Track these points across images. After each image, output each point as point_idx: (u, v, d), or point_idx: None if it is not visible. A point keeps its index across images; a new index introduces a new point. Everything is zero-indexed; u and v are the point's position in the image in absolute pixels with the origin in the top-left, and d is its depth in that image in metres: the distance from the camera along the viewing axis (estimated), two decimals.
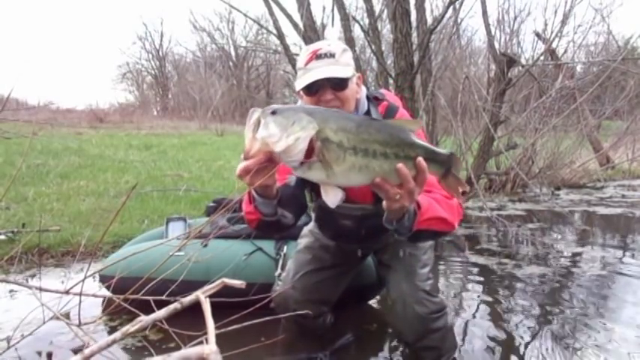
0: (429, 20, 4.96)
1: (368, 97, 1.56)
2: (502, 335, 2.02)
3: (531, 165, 6.24)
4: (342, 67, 1.41)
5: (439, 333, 1.60)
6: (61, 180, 5.02)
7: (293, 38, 23.61)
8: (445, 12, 3.84)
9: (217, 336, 0.72)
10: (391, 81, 3.91)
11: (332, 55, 1.40)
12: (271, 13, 4.63)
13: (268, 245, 2.16)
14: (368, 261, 2.04)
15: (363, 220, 1.60)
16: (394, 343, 1.91)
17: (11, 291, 2.39)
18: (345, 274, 1.84)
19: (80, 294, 0.94)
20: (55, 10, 54.37)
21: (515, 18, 6.52)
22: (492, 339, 1.98)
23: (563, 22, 5.24)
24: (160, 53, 29.71)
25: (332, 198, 1.07)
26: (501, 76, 4.57)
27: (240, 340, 0.94)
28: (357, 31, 7.62)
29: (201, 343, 0.71)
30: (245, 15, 6.10)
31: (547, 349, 1.89)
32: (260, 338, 1.77)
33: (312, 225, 1.87)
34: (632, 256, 3.29)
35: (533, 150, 6.19)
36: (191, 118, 20.92)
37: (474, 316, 2.23)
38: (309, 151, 0.99)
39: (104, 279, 2.12)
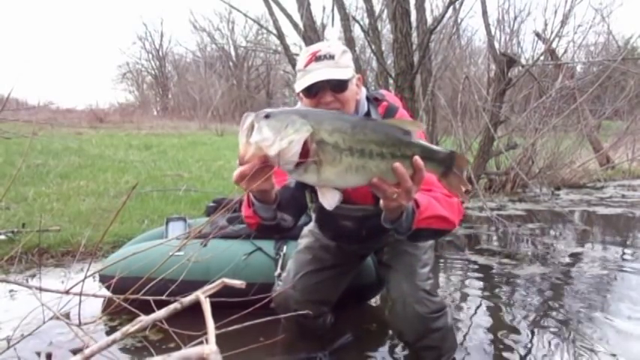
0: (429, 20, 4.96)
1: (368, 98, 1.56)
2: (502, 335, 2.02)
3: (531, 165, 6.24)
4: (342, 68, 1.41)
5: (439, 333, 1.59)
6: (61, 180, 5.03)
7: (293, 38, 23.66)
8: (445, 12, 3.84)
9: (217, 336, 0.72)
10: (391, 81, 3.91)
11: (331, 57, 1.40)
12: (271, 13, 4.63)
13: (268, 245, 2.16)
14: (368, 261, 2.03)
15: (363, 220, 1.60)
16: (394, 343, 1.91)
17: (11, 291, 2.39)
18: (346, 274, 1.84)
19: (80, 294, 0.94)
20: (55, 10, 54.43)
21: (515, 18, 6.53)
22: (492, 339, 1.98)
23: (563, 22, 5.25)
24: (160, 53, 29.75)
25: (329, 200, 1.07)
26: (501, 76, 4.58)
27: (240, 340, 0.94)
28: (357, 31, 7.63)
29: (201, 343, 0.71)
30: (245, 15, 6.12)
31: (547, 349, 1.89)
32: (260, 338, 1.77)
33: (312, 225, 1.87)
34: (632, 256, 3.29)
35: (533, 150, 6.19)
36: (191, 118, 20.94)
37: (474, 316, 2.23)
38: (304, 154, 0.98)
39: (104, 279, 2.12)
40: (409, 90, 3.60)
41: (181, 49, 39.66)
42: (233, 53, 27.79)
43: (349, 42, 4.59)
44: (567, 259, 3.23)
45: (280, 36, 4.78)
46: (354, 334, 1.89)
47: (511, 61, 4.58)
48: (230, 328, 0.85)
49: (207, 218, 2.69)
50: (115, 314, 2.03)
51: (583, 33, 5.99)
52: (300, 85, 1.42)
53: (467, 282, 2.75)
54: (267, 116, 0.98)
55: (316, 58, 1.40)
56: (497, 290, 2.59)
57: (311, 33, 4.34)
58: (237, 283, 0.89)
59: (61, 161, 6.29)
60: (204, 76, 24.31)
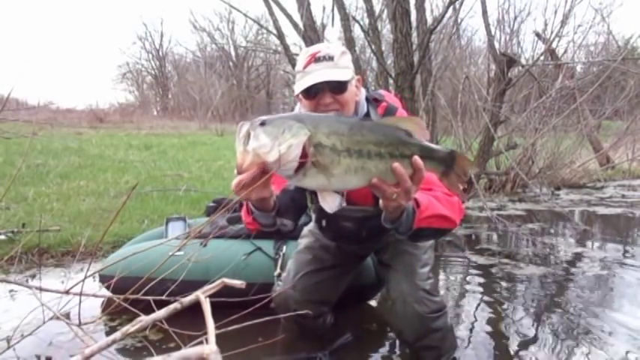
0: (429, 20, 4.96)
1: (367, 99, 1.56)
2: (502, 335, 2.02)
3: (531, 165, 6.24)
4: (341, 70, 1.41)
5: (439, 332, 1.59)
6: (61, 180, 5.03)
7: (293, 38, 23.62)
8: (445, 12, 3.84)
9: (217, 336, 0.72)
10: (391, 81, 3.91)
11: (331, 58, 1.40)
12: (271, 13, 4.63)
13: (268, 245, 2.16)
14: (368, 261, 2.04)
15: (363, 221, 1.60)
16: (394, 343, 1.91)
17: (11, 291, 2.39)
18: (346, 274, 1.84)
19: (80, 294, 0.94)
20: (55, 10, 54.43)
21: (515, 18, 6.52)
22: (492, 338, 1.98)
23: (563, 22, 5.24)
24: (160, 53, 29.77)
25: (330, 204, 1.06)
26: (501, 76, 4.57)
27: (240, 340, 0.94)
28: (357, 31, 7.60)
29: (201, 343, 0.71)
30: (245, 15, 6.10)
31: (547, 349, 1.89)
32: (260, 338, 1.77)
33: (312, 225, 1.87)
34: (632, 256, 3.29)
35: (533, 150, 6.19)
36: (191, 118, 20.95)
37: (474, 316, 2.23)
38: (302, 159, 0.98)
39: (104, 279, 2.12)
40: (409, 90, 3.60)
41: (181, 49, 39.78)
42: (233, 53, 27.81)
43: (349, 42, 4.59)
44: (567, 259, 3.23)
45: (280, 36, 4.77)
46: (354, 334, 1.89)
47: (511, 61, 4.58)
48: (230, 328, 0.85)
49: (207, 218, 2.69)
50: (115, 314, 2.03)
51: (583, 33, 5.99)
52: (299, 86, 1.42)
53: (467, 282, 2.75)
54: (262, 123, 0.98)
55: (315, 59, 1.40)
56: (496, 290, 2.59)
57: (311, 33, 4.34)
58: (237, 283, 0.89)
59: (61, 161, 6.29)
60: (204, 76, 24.32)
